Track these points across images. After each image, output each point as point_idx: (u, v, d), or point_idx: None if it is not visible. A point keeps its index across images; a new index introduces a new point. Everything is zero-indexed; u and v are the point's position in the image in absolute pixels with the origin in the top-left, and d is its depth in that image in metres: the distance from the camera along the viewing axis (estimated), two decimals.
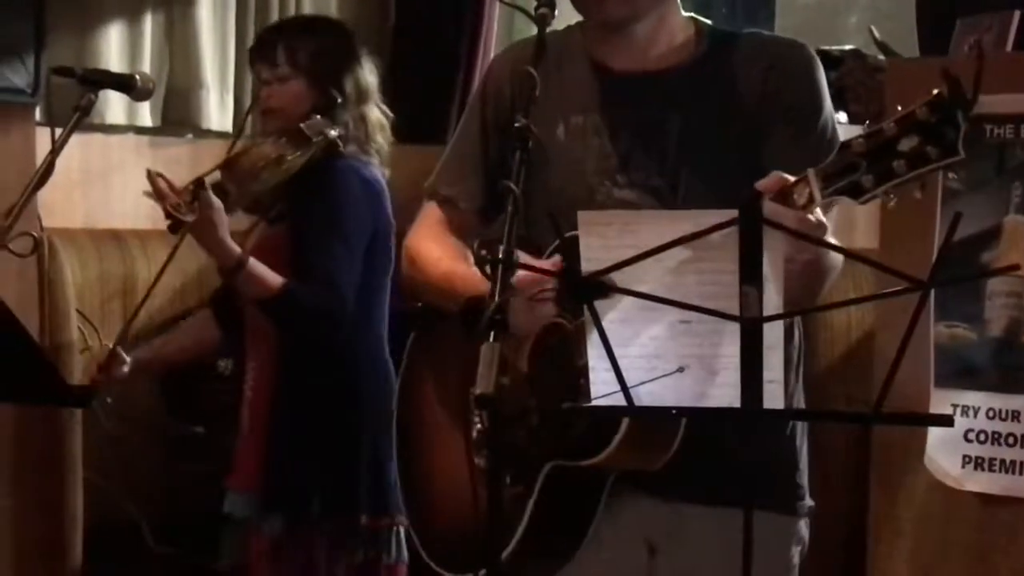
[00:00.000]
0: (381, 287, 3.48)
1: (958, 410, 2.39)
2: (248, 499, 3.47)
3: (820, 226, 2.18)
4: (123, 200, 4.29)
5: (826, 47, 4.64)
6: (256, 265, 3.24)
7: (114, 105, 4.57)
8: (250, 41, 4.92)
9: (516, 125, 2.29)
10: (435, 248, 2.69)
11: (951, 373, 2.39)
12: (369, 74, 3.54)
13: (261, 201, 3.38)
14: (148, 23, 4.77)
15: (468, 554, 2.55)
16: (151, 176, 3.14)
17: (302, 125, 3.32)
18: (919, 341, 2.03)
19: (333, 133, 3.35)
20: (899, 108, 2.10)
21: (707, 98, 2.57)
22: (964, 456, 2.38)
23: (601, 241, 2.11)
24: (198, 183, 3.12)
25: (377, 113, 3.53)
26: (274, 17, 4.98)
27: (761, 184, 2.23)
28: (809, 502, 2.60)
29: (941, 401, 2.36)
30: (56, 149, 3.00)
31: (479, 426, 2.56)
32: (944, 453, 2.39)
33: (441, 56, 5.16)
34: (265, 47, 3.50)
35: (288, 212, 3.40)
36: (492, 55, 5.23)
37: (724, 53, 2.62)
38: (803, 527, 2.60)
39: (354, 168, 3.41)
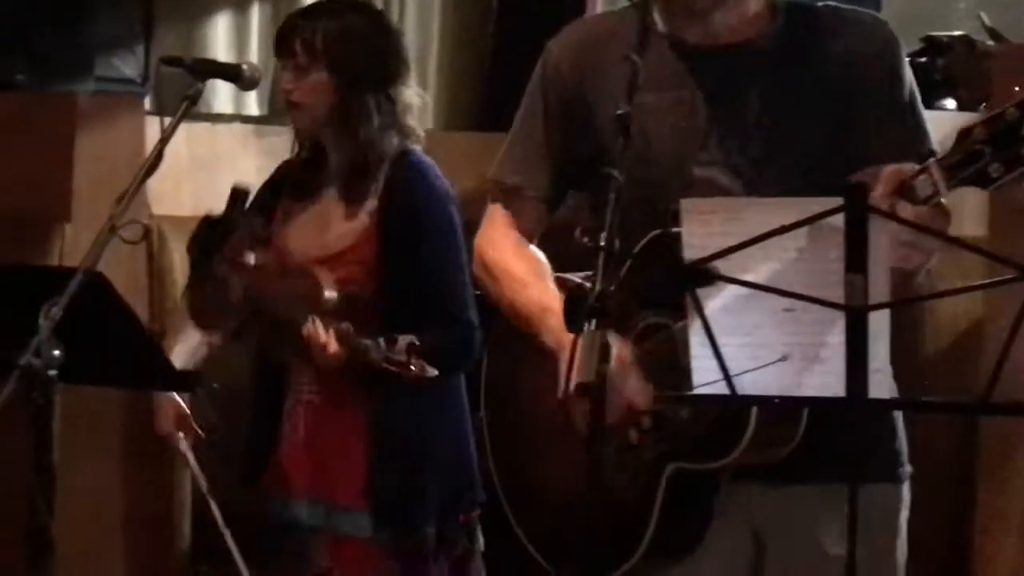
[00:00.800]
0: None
1: None
2: (350, 513, 3.33)
3: (939, 217, 2.16)
4: (229, 188, 4.32)
5: (934, 33, 4.58)
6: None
7: (221, 94, 4.63)
8: None
9: (618, 113, 2.26)
10: (519, 266, 2.61)
11: None
12: (395, 56, 3.37)
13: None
14: (255, 12, 4.83)
15: (583, 551, 2.47)
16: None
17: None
18: None
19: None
20: (1016, 89, 2.04)
21: (787, 73, 2.51)
22: None
23: (704, 229, 2.09)
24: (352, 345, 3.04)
25: (409, 93, 3.37)
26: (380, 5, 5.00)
27: (881, 176, 2.17)
28: (909, 468, 2.56)
29: None
30: (165, 138, 3.02)
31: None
32: None
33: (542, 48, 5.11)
34: (282, 37, 3.34)
35: (385, 220, 3.28)
36: None
37: (802, 27, 2.55)
38: (906, 492, 2.57)
39: (437, 175, 3.34)
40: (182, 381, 3.15)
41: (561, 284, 2.58)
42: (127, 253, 3.40)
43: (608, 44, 2.55)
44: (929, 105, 2.71)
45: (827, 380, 2.07)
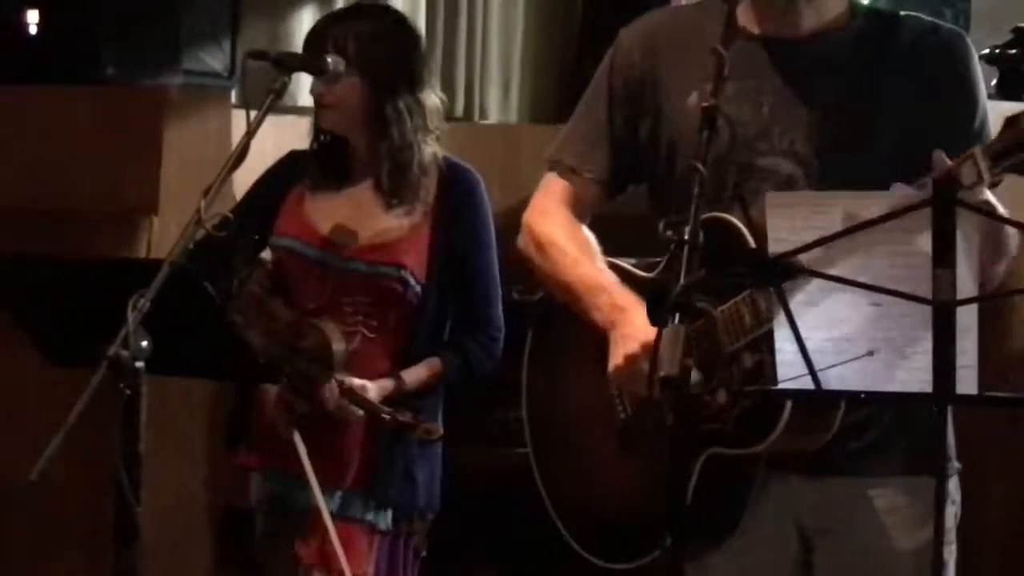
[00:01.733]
0: None
1: None
2: (348, 495, 3.37)
3: (987, 204, 2.14)
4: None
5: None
6: (409, 377, 3.29)
7: (305, 88, 4.63)
8: (440, 29, 5.04)
9: (704, 104, 2.25)
10: (571, 242, 2.62)
11: None
12: (421, 60, 3.44)
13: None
14: (339, 5, 4.82)
15: (626, 542, 2.56)
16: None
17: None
18: None
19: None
20: None
21: (859, 71, 2.51)
22: None
23: (789, 223, 2.09)
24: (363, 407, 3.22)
25: (433, 98, 3.41)
26: (463, 5, 5.06)
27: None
28: (957, 464, 2.55)
29: None
30: (251, 131, 3.02)
31: (623, 414, 2.56)
32: None
33: None
34: (313, 41, 3.40)
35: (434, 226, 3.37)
36: None
37: (881, 31, 2.56)
38: (954, 488, 2.55)
39: (481, 182, 3.41)
40: (267, 372, 3.17)
41: (612, 267, 2.60)
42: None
43: (687, 34, 2.56)
44: (1018, 97, 2.70)
45: (912, 375, 2.07)
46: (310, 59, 3.26)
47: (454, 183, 3.38)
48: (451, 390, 3.44)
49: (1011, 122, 2.10)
